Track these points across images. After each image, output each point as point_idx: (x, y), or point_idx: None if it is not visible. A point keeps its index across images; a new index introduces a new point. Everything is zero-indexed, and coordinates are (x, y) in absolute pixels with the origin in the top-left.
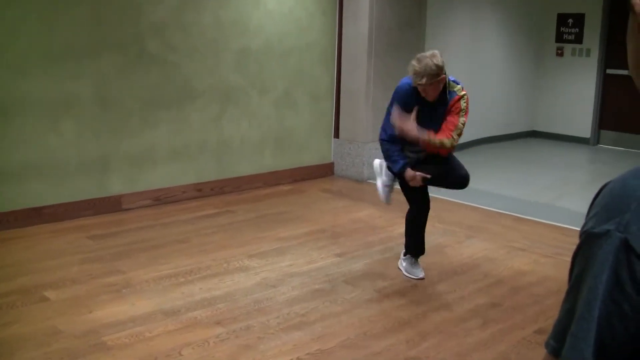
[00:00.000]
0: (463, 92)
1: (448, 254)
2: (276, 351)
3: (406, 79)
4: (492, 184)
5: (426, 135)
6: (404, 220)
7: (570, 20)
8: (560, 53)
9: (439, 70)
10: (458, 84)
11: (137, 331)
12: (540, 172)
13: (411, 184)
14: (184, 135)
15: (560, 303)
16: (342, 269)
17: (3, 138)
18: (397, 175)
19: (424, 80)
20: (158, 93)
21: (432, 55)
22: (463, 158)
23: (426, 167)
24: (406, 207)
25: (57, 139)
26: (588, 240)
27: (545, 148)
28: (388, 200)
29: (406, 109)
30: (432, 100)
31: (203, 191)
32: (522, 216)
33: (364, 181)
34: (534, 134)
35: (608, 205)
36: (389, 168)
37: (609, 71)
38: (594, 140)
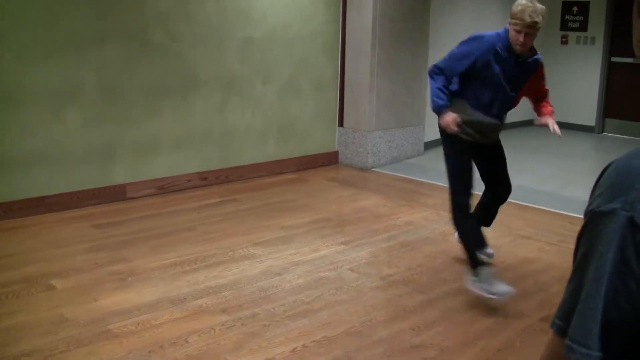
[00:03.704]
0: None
1: (453, 241)
2: (282, 339)
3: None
4: None
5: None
6: (407, 209)
7: (575, 8)
8: (564, 41)
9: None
10: None
11: (143, 319)
12: (545, 160)
13: (444, 125)
14: (188, 124)
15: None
16: (347, 257)
17: (7, 127)
18: (434, 111)
19: (538, 18)
20: (162, 82)
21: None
22: None
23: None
24: (411, 195)
25: (61, 128)
26: (594, 219)
27: (549, 136)
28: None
29: (477, 66)
30: (522, 53)
31: (208, 180)
32: (526, 204)
33: (368, 170)
34: None
35: (613, 184)
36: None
37: (613, 59)
38: (598, 129)
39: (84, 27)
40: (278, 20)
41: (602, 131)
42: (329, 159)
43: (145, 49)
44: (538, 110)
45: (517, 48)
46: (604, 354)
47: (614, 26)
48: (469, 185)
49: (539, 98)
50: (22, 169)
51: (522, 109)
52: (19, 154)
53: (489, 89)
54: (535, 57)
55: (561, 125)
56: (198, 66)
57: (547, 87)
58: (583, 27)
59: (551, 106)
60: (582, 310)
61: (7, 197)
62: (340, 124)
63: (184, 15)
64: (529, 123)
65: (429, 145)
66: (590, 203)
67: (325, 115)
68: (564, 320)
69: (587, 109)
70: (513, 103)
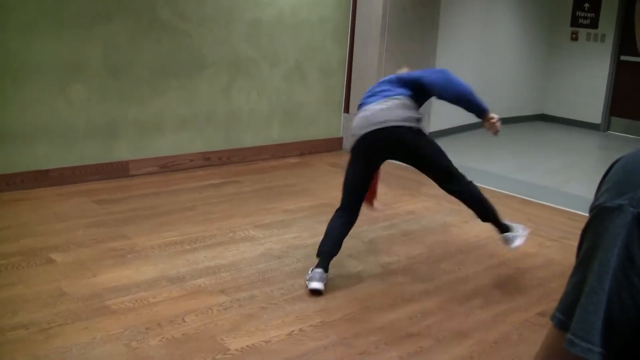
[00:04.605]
0: None
1: (453, 233)
2: (279, 322)
3: None
4: (500, 166)
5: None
6: (409, 198)
7: (586, 5)
8: (574, 37)
9: None
10: None
11: (141, 296)
12: (549, 156)
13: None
14: (193, 104)
15: (565, 286)
16: (347, 244)
17: (12, 101)
18: (483, 113)
19: None
20: (168, 61)
21: None
22: (472, 139)
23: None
24: (412, 185)
25: (66, 103)
26: (600, 214)
27: (555, 132)
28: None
29: None
30: None
31: (211, 160)
32: (528, 199)
33: None
34: (543, 118)
35: (620, 180)
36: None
37: (623, 57)
38: (604, 127)
39: (92, 2)
40: (287, 3)
41: (608, 129)
42: (333, 145)
43: (152, 26)
44: None
45: None
46: (605, 350)
47: (625, 24)
48: None
49: None
50: (25, 142)
51: (528, 103)
52: (22, 127)
53: None
54: None
55: (567, 121)
56: (205, 46)
57: None
58: (594, 24)
59: None
60: (584, 305)
61: (9, 169)
62: (346, 110)
63: None
64: (532, 118)
65: (433, 135)
66: (596, 199)
67: (331, 101)
68: (565, 314)
69: (593, 107)
70: None
